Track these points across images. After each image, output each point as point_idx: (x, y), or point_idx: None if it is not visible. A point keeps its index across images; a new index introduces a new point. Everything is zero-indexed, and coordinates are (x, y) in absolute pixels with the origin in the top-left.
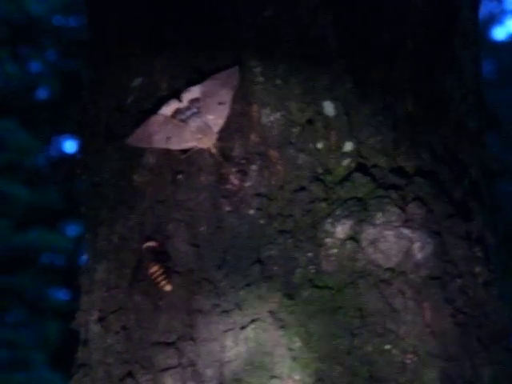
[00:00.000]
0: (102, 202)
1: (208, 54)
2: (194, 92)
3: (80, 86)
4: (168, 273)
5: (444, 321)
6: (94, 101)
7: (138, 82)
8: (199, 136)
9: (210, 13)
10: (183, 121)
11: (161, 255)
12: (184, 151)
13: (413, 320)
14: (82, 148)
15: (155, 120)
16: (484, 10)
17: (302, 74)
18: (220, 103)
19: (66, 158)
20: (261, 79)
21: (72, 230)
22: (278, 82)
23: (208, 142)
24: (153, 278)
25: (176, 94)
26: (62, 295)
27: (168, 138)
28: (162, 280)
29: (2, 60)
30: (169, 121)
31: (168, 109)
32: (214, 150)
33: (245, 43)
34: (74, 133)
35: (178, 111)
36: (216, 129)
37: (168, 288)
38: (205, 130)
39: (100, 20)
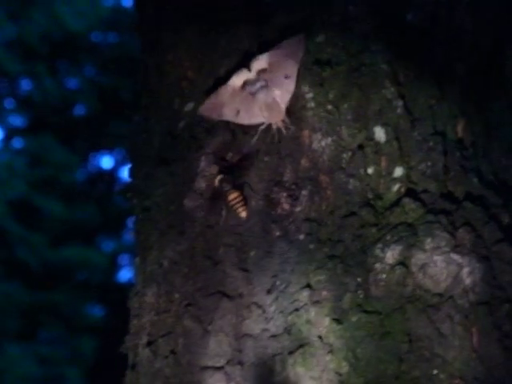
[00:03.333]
0: (153, 227)
1: None
2: (262, 61)
3: (118, 103)
4: (245, 200)
5: (492, 346)
6: (146, 125)
7: (190, 106)
8: (267, 112)
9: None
10: (252, 94)
11: (236, 184)
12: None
13: (460, 345)
14: (133, 172)
15: (225, 91)
16: None
17: (353, 100)
18: (286, 76)
19: (104, 173)
20: (312, 105)
21: (108, 245)
22: (329, 107)
23: (275, 118)
24: (231, 204)
25: (245, 64)
26: (97, 311)
27: (237, 112)
28: (240, 206)
29: (40, 76)
30: (238, 93)
31: (238, 79)
32: (280, 125)
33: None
34: (111, 149)
35: (247, 82)
36: (283, 104)
37: (244, 214)
38: (272, 105)
39: (152, 44)
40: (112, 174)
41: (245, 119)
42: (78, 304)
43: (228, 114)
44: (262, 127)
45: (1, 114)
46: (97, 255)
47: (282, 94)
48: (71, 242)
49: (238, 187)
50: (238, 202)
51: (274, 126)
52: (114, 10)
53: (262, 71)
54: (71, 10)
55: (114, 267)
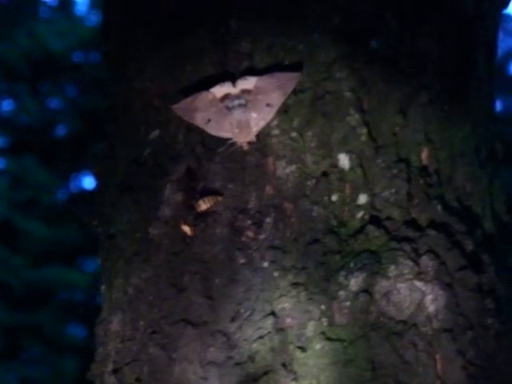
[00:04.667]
0: (118, 254)
1: None
2: (249, 82)
3: (99, 123)
4: (207, 194)
5: (455, 373)
6: (111, 152)
7: (155, 134)
8: (237, 130)
9: None
10: (228, 108)
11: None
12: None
13: (424, 372)
14: (98, 199)
15: (205, 96)
16: (503, 46)
17: (318, 127)
18: (268, 105)
19: (85, 194)
20: (276, 132)
21: (90, 265)
22: (294, 134)
23: (242, 139)
24: (209, 210)
25: (233, 78)
26: (79, 331)
27: (208, 121)
28: (212, 201)
29: (21, 96)
30: (216, 103)
31: (220, 90)
32: (246, 147)
33: None
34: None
35: (227, 96)
36: (255, 128)
37: (219, 198)
38: (244, 126)
39: (118, 71)
40: (93, 194)
41: (213, 130)
42: (60, 324)
43: (199, 120)
44: (230, 142)
45: None
46: (78, 275)
47: (257, 118)
48: (52, 263)
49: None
50: (209, 202)
51: (239, 146)
52: (95, 30)
53: (246, 91)
54: (52, 30)
55: (96, 288)
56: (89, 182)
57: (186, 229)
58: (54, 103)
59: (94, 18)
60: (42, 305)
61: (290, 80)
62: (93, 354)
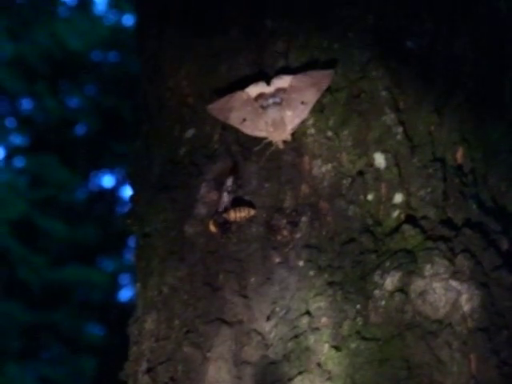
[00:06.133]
0: (153, 253)
1: None
2: (284, 81)
3: (118, 122)
4: (238, 205)
5: (490, 372)
6: (147, 151)
7: (190, 133)
8: (272, 129)
9: None
10: (263, 107)
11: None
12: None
13: (459, 371)
14: (134, 198)
15: (239, 96)
16: None
17: (353, 126)
18: (303, 102)
19: (105, 192)
20: (312, 131)
21: (108, 265)
22: (330, 133)
23: (278, 137)
24: (237, 219)
25: (267, 78)
26: (97, 330)
27: (243, 120)
28: (242, 212)
29: (41, 95)
30: (250, 102)
31: (255, 89)
32: (281, 146)
33: None
34: (112, 168)
35: (262, 95)
36: (290, 126)
37: (252, 212)
38: (279, 124)
39: (152, 71)
40: (113, 193)
41: (248, 129)
42: (79, 323)
43: (234, 120)
44: (265, 141)
45: (2, 134)
46: (97, 275)
47: (292, 116)
48: (72, 262)
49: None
50: (239, 212)
51: (275, 145)
52: (114, 29)
53: (280, 89)
54: (72, 29)
55: (115, 287)
56: (108, 181)
57: (213, 228)
58: (73, 102)
59: (113, 18)
60: (60, 304)
61: (323, 78)
62: (111, 353)
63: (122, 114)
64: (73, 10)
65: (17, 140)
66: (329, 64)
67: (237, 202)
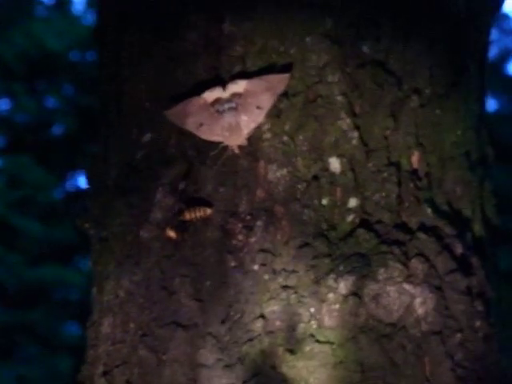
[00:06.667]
0: (110, 257)
1: None
2: (239, 86)
3: (95, 123)
4: (196, 204)
5: (444, 375)
6: (105, 155)
7: (147, 137)
8: (227, 133)
9: None
10: (219, 112)
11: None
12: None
13: (413, 374)
14: (91, 202)
15: (196, 102)
16: (499, 45)
17: (309, 131)
18: (258, 107)
19: (81, 193)
20: (268, 136)
21: (85, 264)
22: (285, 138)
23: (233, 142)
24: (194, 220)
25: (223, 82)
26: (74, 330)
27: (200, 125)
28: (199, 212)
29: (18, 95)
30: (207, 107)
31: (211, 95)
32: (237, 151)
33: None
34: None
35: (218, 100)
36: (246, 131)
37: (209, 212)
38: (235, 128)
39: (111, 75)
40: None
41: (205, 134)
42: (55, 323)
43: (190, 125)
44: (221, 146)
45: None
46: (74, 274)
47: (248, 121)
48: (48, 261)
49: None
50: (195, 212)
51: (230, 149)
52: (92, 29)
53: (236, 94)
54: (49, 29)
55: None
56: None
57: (172, 234)
58: (50, 102)
59: (91, 18)
60: (37, 303)
61: (279, 82)
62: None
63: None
64: (50, 9)
65: None
66: (285, 68)
67: (192, 203)
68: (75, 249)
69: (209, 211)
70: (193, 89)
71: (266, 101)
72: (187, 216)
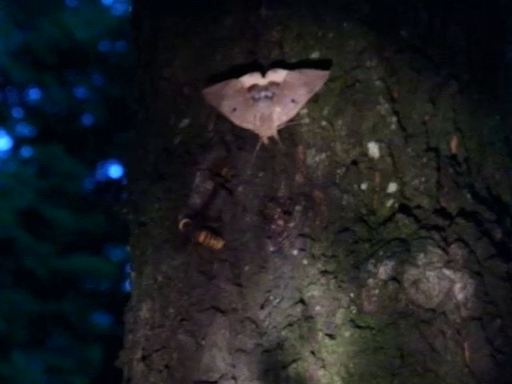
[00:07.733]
0: (148, 242)
1: None
2: (278, 75)
3: (126, 112)
4: (215, 233)
5: (483, 361)
6: (142, 141)
7: (185, 122)
8: (259, 123)
9: None
10: (255, 99)
11: (201, 223)
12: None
13: (452, 360)
14: (129, 187)
15: (233, 84)
16: None
17: (348, 116)
18: (293, 100)
19: (111, 182)
20: (307, 120)
21: (116, 254)
22: (324, 123)
23: (263, 132)
24: (204, 244)
25: (262, 69)
26: (105, 320)
27: (234, 110)
28: (213, 240)
29: (48, 85)
30: (243, 92)
31: (249, 79)
32: (266, 142)
33: None
34: (119, 158)
35: (255, 87)
36: (277, 123)
37: (220, 245)
38: (267, 119)
39: (148, 60)
40: (120, 182)
41: (237, 119)
42: (86, 313)
43: (225, 108)
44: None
45: (9, 124)
46: (104, 264)
47: (281, 113)
48: (79, 251)
49: (204, 227)
50: (209, 239)
51: (261, 140)
52: (122, 19)
53: (274, 84)
54: (79, 19)
55: (122, 276)
56: (115, 171)
57: (181, 228)
58: (80, 92)
59: (121, 8)
60: (68, 293)
61: (318, 78)
62: (118, 343)
63: (129, 104)
64: (80, 0)
65: (24, 130)
66: (325, 62)
67: (211, 229)
68: (105, 238)
69: (221, 244)
70: (230, 74)
71: (302, 96)
72: (201, 237)
